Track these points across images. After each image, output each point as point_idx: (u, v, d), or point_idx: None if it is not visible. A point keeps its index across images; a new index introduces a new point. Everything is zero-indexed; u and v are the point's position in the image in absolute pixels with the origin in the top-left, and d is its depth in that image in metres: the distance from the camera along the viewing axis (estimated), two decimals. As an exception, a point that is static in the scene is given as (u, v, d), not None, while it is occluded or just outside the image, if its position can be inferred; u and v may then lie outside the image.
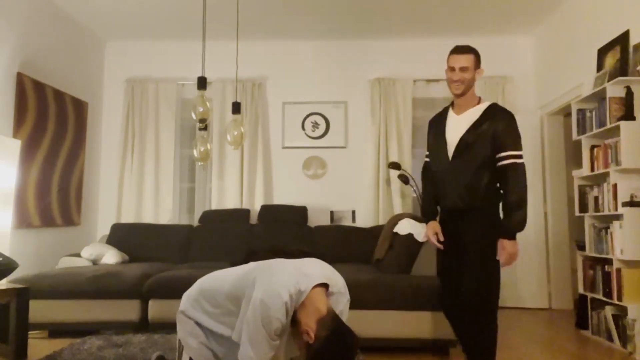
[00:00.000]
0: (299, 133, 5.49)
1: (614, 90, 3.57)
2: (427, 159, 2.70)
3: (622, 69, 3.66)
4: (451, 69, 2.46)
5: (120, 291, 3.63)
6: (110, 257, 4.29)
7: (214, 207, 5.29)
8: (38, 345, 3.42)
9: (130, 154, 5.41)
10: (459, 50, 2.46)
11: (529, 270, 4.98)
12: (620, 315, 3.45)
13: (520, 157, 2.36)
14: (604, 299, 3.57)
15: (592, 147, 3.81)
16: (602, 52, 3.98)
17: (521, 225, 2.32)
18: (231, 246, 4.69)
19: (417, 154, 5.49)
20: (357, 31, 5.34)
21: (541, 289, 4.98)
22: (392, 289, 3.29)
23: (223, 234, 4.76)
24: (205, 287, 2.18)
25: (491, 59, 5.41)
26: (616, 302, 3.41)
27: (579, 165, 4.68)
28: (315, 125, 5.49)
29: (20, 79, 4.16)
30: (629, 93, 3.47)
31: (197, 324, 2.18)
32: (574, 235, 5.08)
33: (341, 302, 2.04)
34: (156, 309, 3.60)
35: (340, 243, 4.66)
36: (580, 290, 3.93)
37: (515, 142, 2.37)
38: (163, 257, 4.66)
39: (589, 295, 3.80)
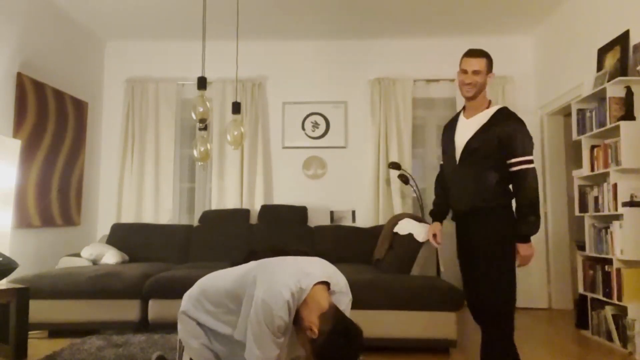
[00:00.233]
0: (299, 133, 5.49)
1: (614, 90, 3.57)
2: (442, 163, 2.72)
3: (622, 69, 3.66)
4: (463, 71, 2.46)
5: (120, 291, 3.63)
6: (110, 257, 4.29)
7: (214, 207, 5.29)
8: (38, 345, 3.42)
9: (130, 154, 5.41)
10: (472, 53, 2.46)
11: (529, 270, 4.98)
12: (620, 315, 3.44)
13: (529, 162, 2.36)
14: (604, 299, 3.57)
15: (592, 147, 3.81)
16: (602, 52, 3.98)
17: (531, 228, 2.32)
18: (231, 246, 4.69)
19: (417, 154, 5.49)
20: (357, 31, 5.34)
21: (541, 289, 4.98)
22: (392, 289, 3.29)
23: (223, 234, 4.76)
24: (206, 286, 2.18)
25: (491, 59, 5.40)
26: (616, 302, 3.41)
27: (579, 165, 4.68)
28: (315, 125, 5.49)
29: (20, 79, 4.16)
30: (629, 93, 3.47)
31: (199, 324, 2.18)
32: (574, 235, 5.07)
33: (343, 302, 2.04)
34: (156, 309, 3.60)
35: (340, 243, 4.66)
36: (580, 290, 3.93)
37: (523, 147, 2.36)
38: (163, 257, 4.67)
39: (589, 295, 3.80)
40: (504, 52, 5.45)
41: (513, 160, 2.37)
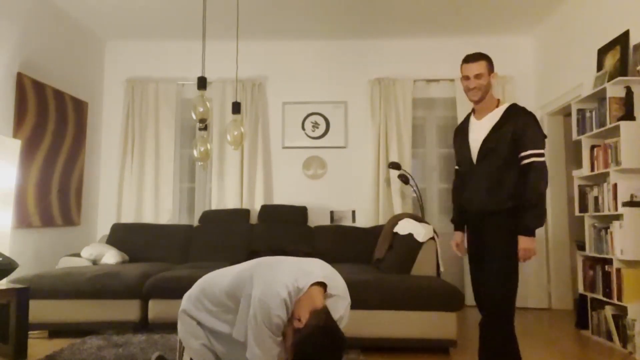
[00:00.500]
0: (299, 133, 5.49)
1: (614, 90, 3.57)
2: (457, 167, 2.71)
3: (622, 69, 3.66)
4: (466, 77, 2.48)
5: (120, 291, 3.63)
6: (110, 257, 4.29)
7: (214, 207, 5.29)
8: (38, 345, 3.42)
9: (130, 154, 5.41)
10: (470, 58, 2.48)
11: (529, 270, 4.99)
12: (620, 315, 3.44)
13: (540, 155, 2.36)
14: (604, 299, 3.57)
15: (592, 147, 3.81)
16: (602, 52, 3.98)
17: (535, 221, 2.32)
18: (231, 246, 4.69)
19: (417, 154, 5.49)
20: (357, 31, 5.34)
21: (541, 289, 4.98)
22: (392, 289, 3.29)
23: (223, 234, 4.76)
24: (206, 285, 2.19)
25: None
26: (616, 302, 3.41)
27: (579, 165, 4.68)
28: (315, 125, 5.49)
29: (20, 79, 4.16)
30: (629, 93, 3.47)
31: (199, 324, 2.18)
32: (574, 235, 5.07)
33: (341, 307, 2.03)
34: (156, 309, 3.60)
35: (340, 243, 4.66)
36: (580, 290, 3.93)
37: (534, 140, 2.37)
38: (163, 257, 4.66)
39: (589, 295, 3.80)
40: (504, 52, 5.45)
41: (523, 154, 2.37)
